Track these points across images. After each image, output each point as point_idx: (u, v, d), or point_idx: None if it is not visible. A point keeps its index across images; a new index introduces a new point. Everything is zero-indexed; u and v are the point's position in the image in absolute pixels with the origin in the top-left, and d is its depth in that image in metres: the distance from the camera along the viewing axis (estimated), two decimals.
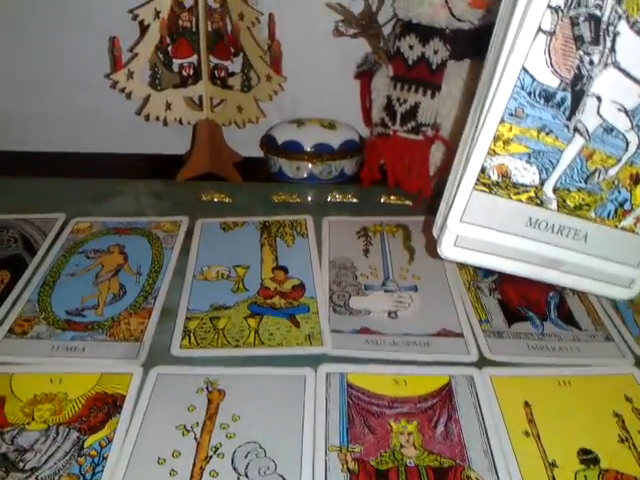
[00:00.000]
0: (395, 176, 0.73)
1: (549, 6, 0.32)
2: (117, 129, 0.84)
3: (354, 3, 0.72)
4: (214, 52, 0.73)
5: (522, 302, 0.58)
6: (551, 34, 0.33)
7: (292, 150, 0.78)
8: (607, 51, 0.35)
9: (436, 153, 0.72)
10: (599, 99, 0.36)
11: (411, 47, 0.71)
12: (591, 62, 0.34)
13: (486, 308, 0.58)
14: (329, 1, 0.72)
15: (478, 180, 0.38)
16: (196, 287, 0.59)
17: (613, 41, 0.35)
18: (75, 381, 0.48)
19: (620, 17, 0.34)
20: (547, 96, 0.35)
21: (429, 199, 0.73)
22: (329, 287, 0.59)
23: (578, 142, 0.37)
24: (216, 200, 0.74)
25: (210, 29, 0.72)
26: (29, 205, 0.71)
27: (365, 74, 0.78)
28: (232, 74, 0.76)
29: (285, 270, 0.61)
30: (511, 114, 0.35)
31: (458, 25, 0.68)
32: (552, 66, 0.34)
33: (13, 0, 0.78)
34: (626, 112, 0.37)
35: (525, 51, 0.33)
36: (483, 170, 0.38)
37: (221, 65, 0.74)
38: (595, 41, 0.34)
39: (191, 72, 0.73)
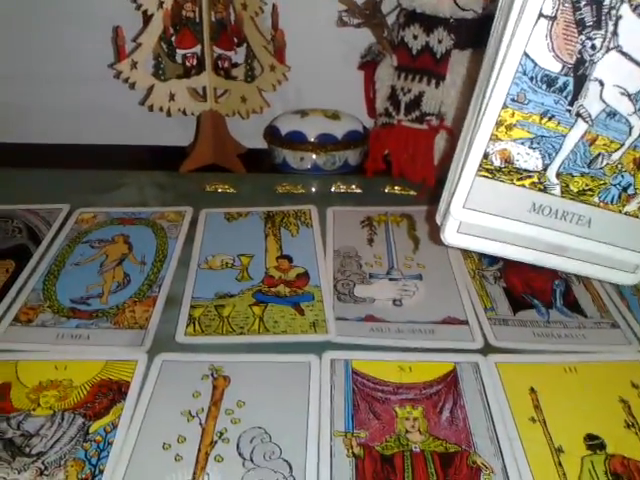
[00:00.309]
0: (399, 166, 0.73)
1: None
2: (120, 121, 0.84)
3: None
4: (217, 42, 0.73)
5: (527, 290, 0.58)
6: (552, 19, 0.33)
7: (296, 141, 0.78)
8: (609, 35, 0.34)
9: (440, 142, 0.72)
10: (601, 83, 0.36)
11: (415, 37, 0.70)
12: (593, 47, 0.34)
13: (491, 296, 0.58)
14: None
15: (481, 166, 0.38)
16: (201, 276, 0.59)
17: (615, 25, 0.34)
18: (80, 368, 0.48)
19: (622, 0, 0.34)
20: (549, 81, 0.35)
21: (433, 188, 0.73)
22: (333, 276, 0.59)
23: (581, 127, 0.37)
24: (220, 191, 0.74)
25: (213, 19, 0.71)
26: (33, 196, 0.71)
27: (369, 64, 0.78)
28: (235, 65, 0.75)
29: (289, 259, 0.61)
30: (513, 99, 0.35)
31: (462, 14, 0.68)
32: (554, 51, 0.34)
33: None
34: (629, 96, 0.37)
35: (526, 36, 0.33)
36: (486, 156, 0.38)
37: (224, 55, 0.73)
38: (597, 25, 0.33)
39: (194, 63, 0.73)
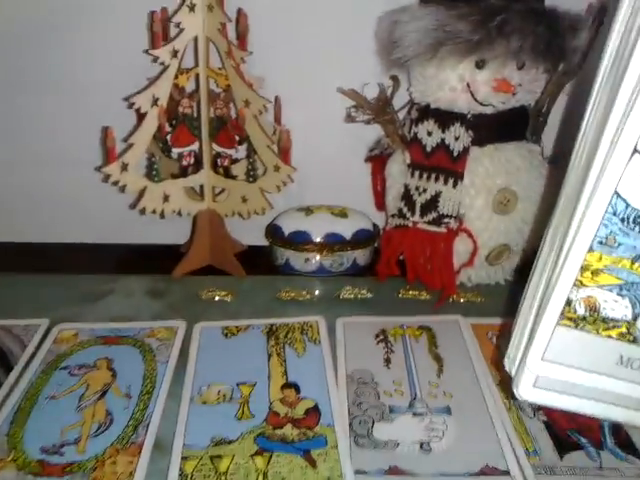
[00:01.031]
0: (415, 271, 0.67)
1: None
2: (108, 217, 0.77)
3: (367, 88, 0.67)
4: (217, 139, 0.67)
5: (571, 425, 0.51)
6: None
7: (300, 241, 0.71)
8: None
9: (460, 246, 0.65)
10: None
11: (429, 133, 0.65)
12: None
13: (531, 434, 0.50)
14: (340, 86, 0.67)
15: (562, 314, 0.34)
16: (194, 413, 0.51)
17: None
18: None
19: None
20: None
21: (454, 296, 0.66)
22: (348, 410, 0.51)
23: None
24: (217, 299, 0.67)
25: (212, 115, 0.66)
26: (8, 308, 0.64)
27: (377, 158, 0.73)
28: (236, 160, 0.70)
29: (297, 388, 0.54)
30: (601, 242, 0.31)
31: (480, 109, 0.63)
32: None
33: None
34: None
35: (618, 174, 0.29)
36: (568, 303, 0.34)
37: (224, 153, 0.68)
38: None
39: (192, 160, 0.68)
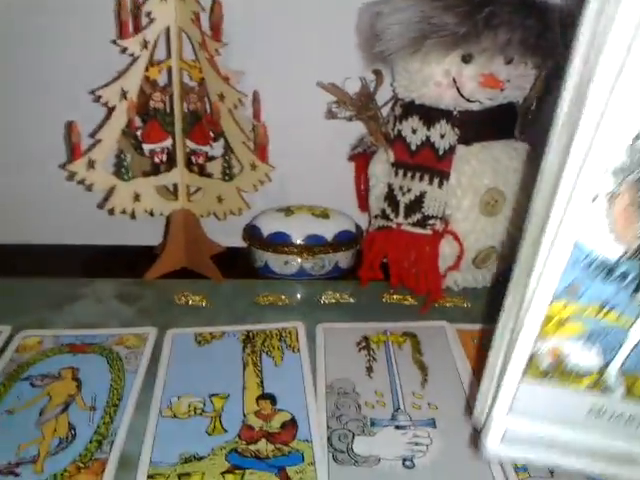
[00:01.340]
0: (399, 275, 0.64)
1: (607, 169, 0.27)
2: (76, 216, 0.73)
3: (348, 82, 0.64)
4: (191, 136, 0.64)
5: None
6: (610, 200, 0.29)
7: (279, 242, 0.68)
8: None
9: (446, 249, 0.63)
10: None
11: (414, 130, 0.62)
12: None
13: None
14: (321, 80, 0.64)
15: (527, 367, 0.32)
16: (162, 427, 0.47)
17: None
18: None
19: None
20: (608, 269, 0.31)
21: (440, 301, 0.63)
22: (327, 423, 0.48)
23: None
24: (191, 303, 0.64)
25: (186, 110, 0.63)
26: None
27: (360, 156, 0.70)
28: (212, 158, 0.67)
29: (273, 400, 0.51)
30: (564, 290, 0.30)
31: (467, 106, 0.61)
32: (613, 235, 0.30)
33: None
34: None
35: (579, 221, 0.28)
36: (533, 355, 0.32)
37: (199, 150, 0.65)
38: None
39: (164, 158, 0.64)
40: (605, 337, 0.31)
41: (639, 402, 0.33)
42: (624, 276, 0.30)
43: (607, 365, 0.32)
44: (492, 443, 0.34)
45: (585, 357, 0.32)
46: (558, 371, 0.32)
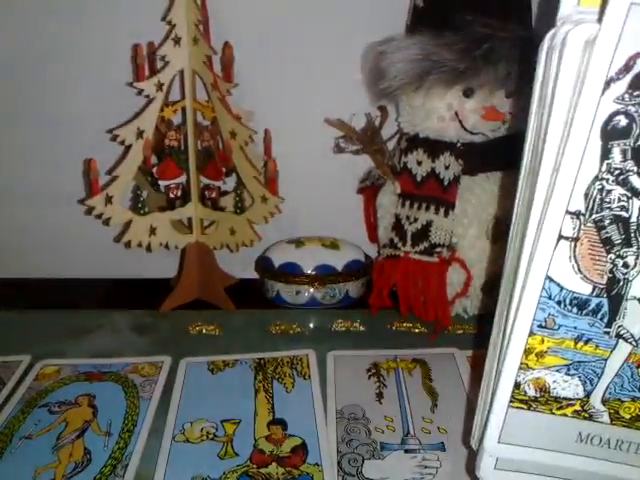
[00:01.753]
0: (408, 303, 0.65)
1: (568, 212, 0.28)
2: (94, 250, 0.76)
3: (355, 118, 0.67)
4: (204, 172, 0.67)
5: None
6: (575, 239, 0.30)
7: (290, 273, 0.70)
8: None
9: (453, 276, 0.64)
10: None
11: (419, 162, 0.65)
12: (626, 265, 0.31)
13: None
14: (328, 117, 0.67)
15: (513, 397, 0.34)
16: (175, 452, 0.49)
17: None
18: None
19: None
20: (580, 304, 0.32)
21: (450, 328, 0.64)
22: (337, 447, 0.49)
23: (624, 349, 0.33)
24: (205, 332, 0.66)
25: (200, 147, 0.66)
26: None
27: (369, 189, 0.72)
28: (224, 193, 0.69)
29: (284, 425, 0.51)
30: (540, 325, 0.33)
31: (470, 138, 0.63)
32: (581, 272, 0.31)
33: None
34: None
35: (547, 260, 0.29)
36: (517, 386, 0.33)
37: (212, 185, 0.67)
38: (627, 243, 0.30)
39: (179, 193, 0.67)
40: (585, 368, 0.32)
41: (626, 427, 0.34)
42: (596, 311, 0.31)
43: (589, 394, 0.33)
44: (486, 472, 0.35)
45: (567, 387, 0.33)
46: (544, 400, 0.33)
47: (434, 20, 0.59)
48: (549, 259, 0.29)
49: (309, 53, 0.68)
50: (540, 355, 0.32)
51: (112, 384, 0.57)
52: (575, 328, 0.31)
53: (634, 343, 0.32)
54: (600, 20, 0.23)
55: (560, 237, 0.29)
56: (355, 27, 0.66)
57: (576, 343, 0.32)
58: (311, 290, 0.70)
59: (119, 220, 0.63)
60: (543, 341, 0.31)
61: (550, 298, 0.30)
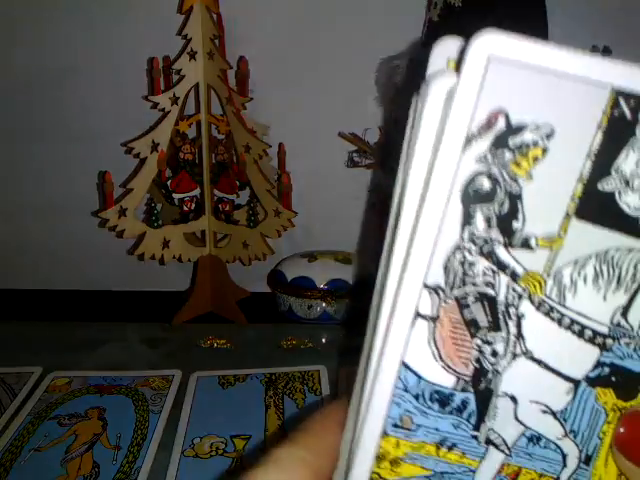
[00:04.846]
0: None
1: (425, 285, 0.23)
2: (107, 262, 0.76)
3: (368, 132, 0.67)
4: (218, 185, 0.67)
5: None
6: (434, 319, 0.24)
7: (303, 287, 0.70)
8: (513, 338, 0.24)
9: None
10: (514, 399, 0.24)
11: None
12: (494, 353, 0.24)
13: None
14: (342, 131, 0.67)
15: None
16: (184, 467, 0.48)
17: (518, 325, 0.24)
18: None
19: (521, 296, 0.24)
20: (442, 399, 0.23)
21: None
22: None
23: (495, 457, 0.26)
24: (216, 346, 0.65)
25: (214, 161, 0.66)
26: (2, 355, 0.62)
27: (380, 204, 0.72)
28: (238, 207, 0.69)
29: None
30: (395, 425, 0.23)
31: None
32: (442, 360, 0.24)
33: None
34: (554, 414, 0.25)
35: (402, 342, 0.22)
36: None
37: (226, 199, 0.67)
38: (495, 326, 0.24)
39: (193, 207, 0.67)
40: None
41: None
42: (461, 409, 0.24)
43: None
44: None
45: None
46: None
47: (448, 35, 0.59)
48: (405, 342, 0.23)
49: (323, 68, 0.69)
50: (395, 463, 0.24)
51: (122, 397, 0.57)
52: (437, 430, 0.24)
53: (507, 451, 0.25)
54: (459, 70, 0.20)
55: (417, 315, 0.23)
56: (369, 42, 0.66)
57: (438, 449, 0.24)
58: (323, 305, 0.69)
59: (133, 232, 0.63)
60: (398, 444, 0.24)
61: (406, 390, 0.24)
